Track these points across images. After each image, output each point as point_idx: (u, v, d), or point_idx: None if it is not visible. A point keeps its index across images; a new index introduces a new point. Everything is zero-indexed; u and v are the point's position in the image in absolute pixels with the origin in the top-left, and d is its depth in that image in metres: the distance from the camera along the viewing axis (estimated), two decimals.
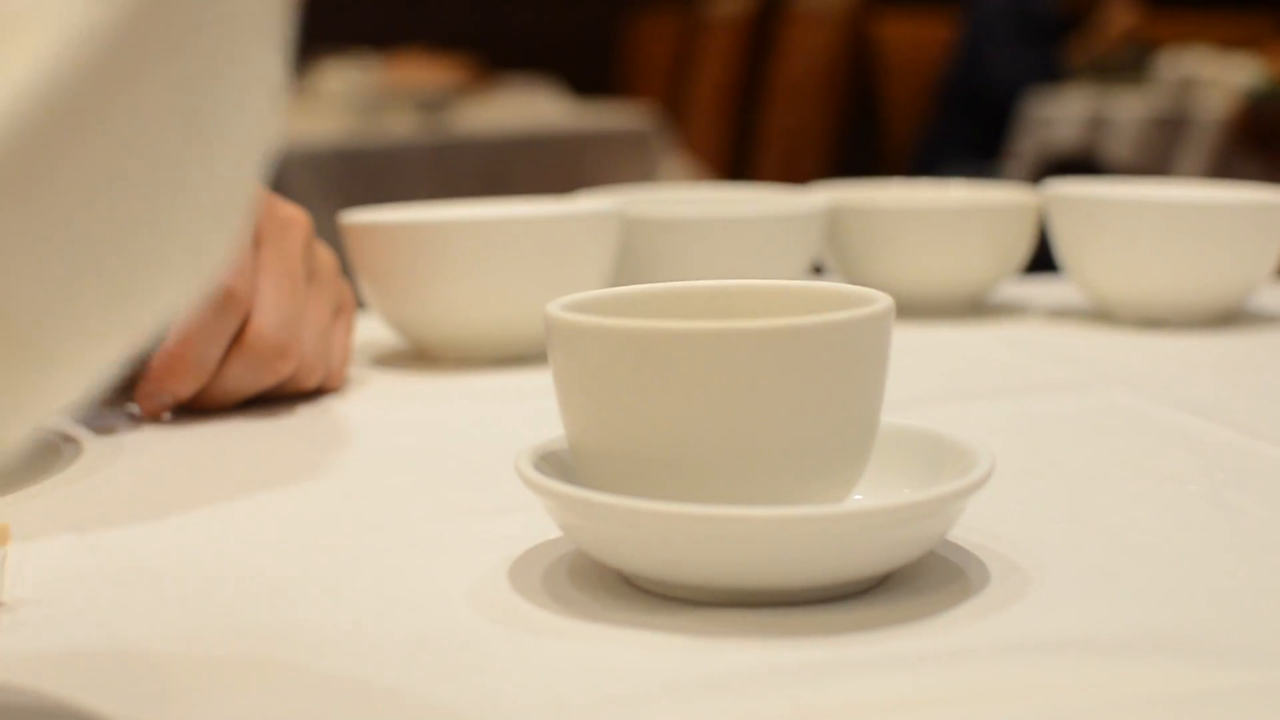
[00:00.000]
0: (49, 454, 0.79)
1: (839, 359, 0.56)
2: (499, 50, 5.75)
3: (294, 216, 0.90)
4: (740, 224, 1.11)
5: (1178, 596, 0.57)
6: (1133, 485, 0.73)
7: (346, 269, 0.98)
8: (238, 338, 0.86)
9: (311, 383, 0.92)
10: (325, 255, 0.94)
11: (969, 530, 0.62)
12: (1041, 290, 1.31)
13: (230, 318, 0.84)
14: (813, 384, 0.56)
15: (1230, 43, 4.42)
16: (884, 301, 0.59)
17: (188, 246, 0.37)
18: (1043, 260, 1.26)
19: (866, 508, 0.54)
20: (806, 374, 0.56)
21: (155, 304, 0.37)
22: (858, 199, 1.22)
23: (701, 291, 0.64)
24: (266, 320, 0.86)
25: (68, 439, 0.82)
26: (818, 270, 1.24)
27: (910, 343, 1.08)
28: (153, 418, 0.86)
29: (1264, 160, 3.77)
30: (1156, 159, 3.96)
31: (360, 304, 1.07)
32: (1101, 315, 1.18)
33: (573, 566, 0.60)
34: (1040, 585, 0.58)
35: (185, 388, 0.85)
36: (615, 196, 1.18)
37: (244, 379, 0.87)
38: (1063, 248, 1.18)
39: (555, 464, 0.60)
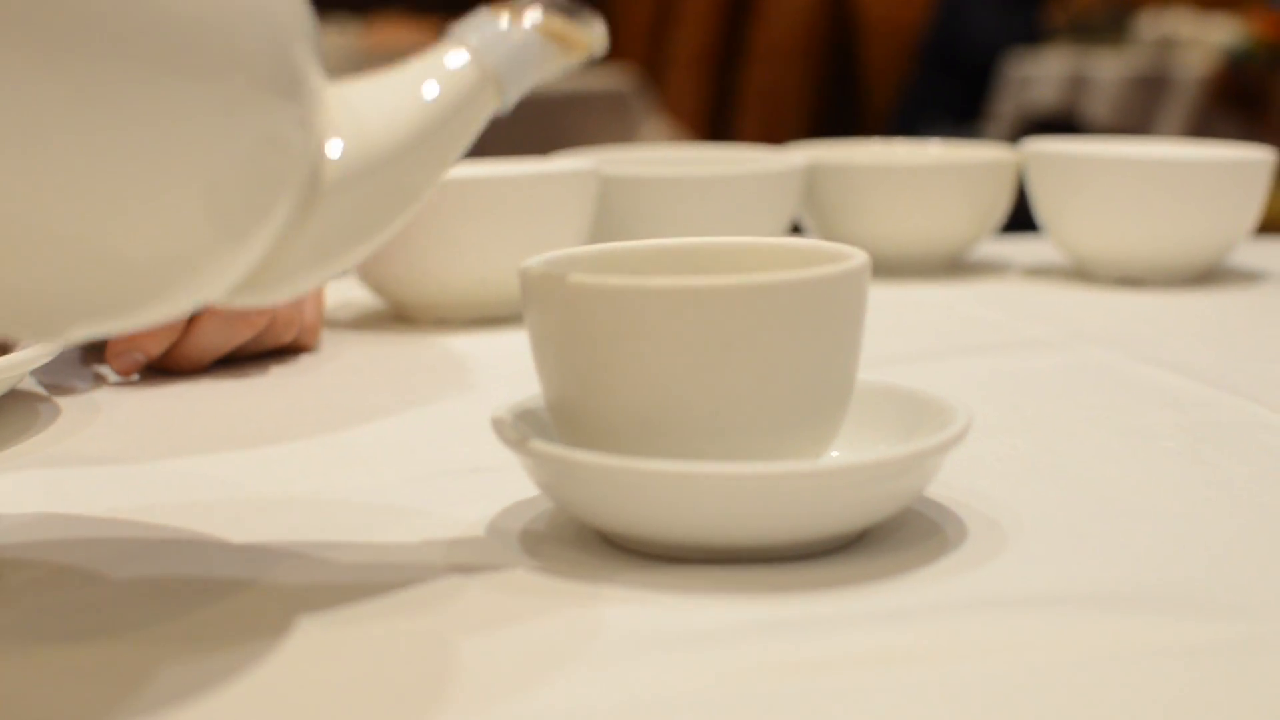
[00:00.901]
0: (27, 416, 0.79)
1: (815, 315, 0.56)
2: (468, 13, 5.72)
3: None
4: (718, 183, 1.11)
5: (1154, 552, 0.57)
6: (1110, 442, 0.73)
7: None
8: None
9: (286, 338, 0.91)
10: None
11: (946, 486, 0.62)
12: (1020, 248, 1.31)
13: None
14: (788, 341, 0.56)
15: (1209, 3, 4.41)
16: (859, 258, 0.59)
17: None
18: (1022, 218, 1.26)
19: (843, 464, 0.55)
20: (782, 331, 0.55)
21: None
22: (835, 157, 1.22)
23: (677, 249, 0.63)
24: None
25: (44, 400, 0.82)
26: (796, 229, 1.24)
27: (888, 301, 1.08)
28: (124, 375, 0.86)
29: (1243, 119, 3.77)
30: (1136, 118, 3.96)
31: None
32: (1080, 273, 1.18)
33: (551, 524, 0.60)
34: (1017, 541, 0.58)
35: (157, 344, 0.85)
36: (593, 156, 1.18)
37: (218, 334, 0.86)
38: (1042, 206, 1.18)
39: (532, 423, 0.60)
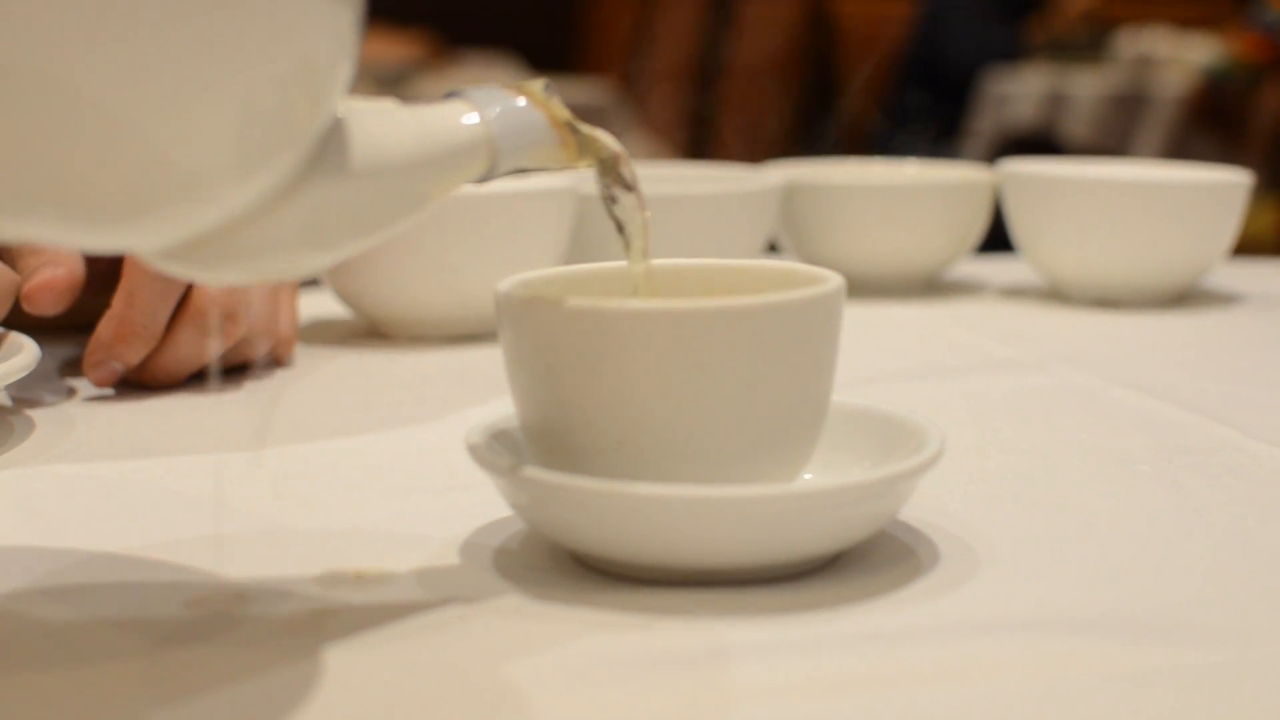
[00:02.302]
0: (1, 430, 0.78)
1: (789, 339, 0.56)
2: (457, 25, 5.73)
3: None
4: (695, 202, 1.11)
5: (1126, 577, 0.57)
6: (1083, 465, 0.73)
7: None
8: (185, 303, 0.85)
9: (262, 349, 0.91)
10: None
11: (919, 509, 0.62)
12: (996, 268, 1.31)
13: (175, 281, 0.84)
14: (762, 364, 0.56)
15: (1187, 23, 4.43)
16: (834, 281, 0.59)
17: None
18: (999, 238, 1.26)
19: (816, 488, 0.55)
20: (756, 354, 0.55)
21: None
22: (813, 177, 1.22)
23: (651, 271, 0.63)
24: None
25: (16, 414, 0.81)
26: (773, 248, 1.24)
27: (864, 320, 1.08)
28: (101, 386, 0.86)
29: (1220, 138, 3.78)
30: (1114, 137, 3.97)
31: (315, 278, 1.06)
32: (1056, 294, 1.18)
33: (525, 545, 0.60)
34: (990, 565, 0.58)
35: (134, 353, 0.85)
36: (569, 173, 1.17)
37: (194, 344, 0.86)
38: (1018, 227, 1.18)
39: (506, 443, 0.60)
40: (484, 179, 0.57)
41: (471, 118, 0.56)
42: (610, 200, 0.60)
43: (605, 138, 0.59)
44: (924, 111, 4.69)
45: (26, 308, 0.82)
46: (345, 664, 0.50)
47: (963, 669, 0.49)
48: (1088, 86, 4.11)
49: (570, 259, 1.11)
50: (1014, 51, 4.58)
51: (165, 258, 0.50)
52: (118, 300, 0.84)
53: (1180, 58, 4.04)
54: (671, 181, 1.20)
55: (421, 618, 0.53)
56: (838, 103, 5.14)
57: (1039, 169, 1.19)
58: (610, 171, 0.60)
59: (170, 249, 0.49)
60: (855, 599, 0.54)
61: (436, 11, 5.80)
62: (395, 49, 4.08)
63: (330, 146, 0.50)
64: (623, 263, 0.63)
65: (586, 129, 0.59)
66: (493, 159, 0.56)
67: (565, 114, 0.58)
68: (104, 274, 0.87)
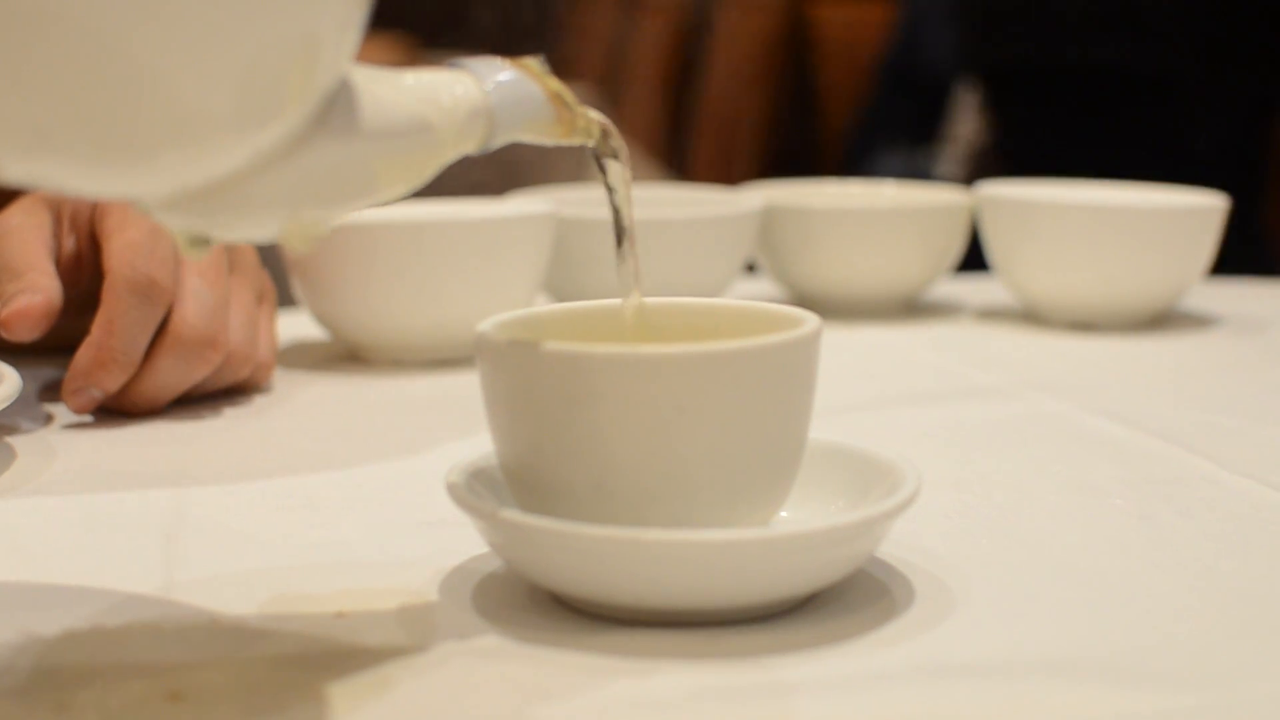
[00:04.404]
0: None
1: (766, 383, 0.57)
2: (434, 30, 5.72)
3: None
4: (674, 226, 1.11)
5: (1100, 617, 0.58)
6: (1058, 498, 0.73)
7: (266, 261, 0.98)
8: (164, 329, 0.85)
9: (242, 374, 0.91)
10: (245, 247, 0.94)
11: (896, 545, 0.62)
12: (974, 289, 1.31)
13: (154, 307, 0.84)
14: (740, 408, 0.56)
15: None
16: (811, 324, 0.59)
17: None
18: (977, 256, 1.26)
19: (792, 532, 0.55)
20: (733, 398, 0.56)
21: None
22: (791, 199, 1.22)
23: (630, 310, 0.64)
24: (191, 309, 0.85)
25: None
26: (751, 269, 1.24)
27: (842, 345, 1.08)
28: (80, 413, 0.86)
29: None
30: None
31: (293, 300, 1.07)
32: (1032, 317, 1.19)
33: (503, 584, 0.60)
34: (965, 604, 0.58)
35: (113, 380, 0.85)
36: (549, 197, 1.18)
37: (173, 371, 0.86)
38: (994, 250, 1.19)
39: (486, 481, 0.61)
40: (481, 149, 0.58)
41: (472, 88, 0.57)
42: (604, 169, 0.63)
43: (594, 112, 0.61)
44: (902, 118, 4.69)
45: (3, 334, 0.82)
46: (327, 706, 0.50)
47: (937, 714, 0.49)
48: None
49: (549, 280, 1.12)
50: None
51: (168, 208, 0.50)
52: (96, 327, 0.84)
53: None
54: (650, 205, 1.20)
55: (403, 660, 0.54)
56: (815, 108, 5.15)
57: (1015, 192, 1.19)
58: (604, 144, 0.62)
59: (173, 198, 0.50)
60: (831, 640, 0.55)
61: (412, 16, 5.80)
62: (371, 54, 4.08)
63: (336, 107, 0.51)
64: (602, 302, 0.64)
65: (580, 105, 0.60)
66: (490, 129, 0.57)
67: (561, 89, 0.59)
68: (82, 297, 0.87)
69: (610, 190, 0.63)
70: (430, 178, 0.57)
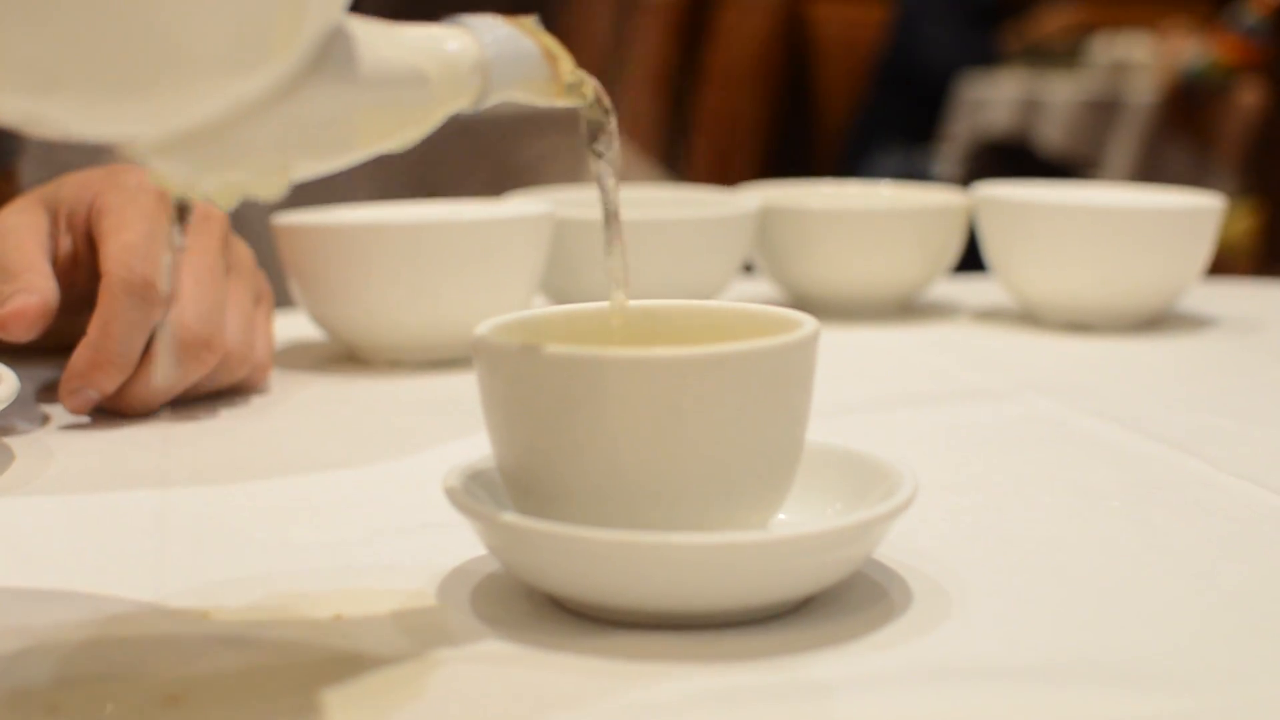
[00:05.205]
0: None
1: (764, 386, 0.57)
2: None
3: (211, 210, 0.89)
4: (671, 226, 1.11)
5: (1096, 621, 0.58)
6: (1055, 500, 0.73)
7: (263, 262, 0.98)
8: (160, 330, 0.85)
9: (239, 375, 0.91)
10: (242, 248, 0.94)
11: (893, 548, 0.62)
12: (971, 289, 1.31)
13: (151, 309, 0.84)
14: (737, 411, 0.56)
15: (1163, 28, 4.43)
16: (809, 326, 0.59)
17: None
18: (974, 257, 1.26)
19: (790, 535, 0.55)
20: (731, 401, 0.56)
21: None
22: (788, 200, 1.22)
23: (628, 312, 0.64)
24: (189, 311, 0.85)
25: None
26: (748, 269, 1.24)
27: (839, 345, 1.08)
28: (77, 414, 0.86)
29: (1195, 144, 3.79)
30: (1089, 143, 3.98)
31: (290, 301, 1.07)
32: (1029, 318, 1.19)
33: (501, 587, 0.60)
34: (962, 607, 0.58)
35: (109, 381, 0.85)
36: (546, 198, 1.18)
37: (170, 373, 0.86)
38: (991, 250, 1.19)
39: (484, 484, 0.61)
40: (475, 106, 0.58)
41: (469, 43, 0.57)
42: (594, 130, 0.62)
43: (583, 72, 0.61)
44: (898, 117, 4.69)
45: (0, 334, 0.82)
46: (325, 709, 0.50)
47: (935, 717, 0.49)
48: (1063, 92, 4.12)
49: (546, 284, 1.12)
50: (989, 57, 4.59)
51: (161, 153, 0.50)
52: (93, 328, 0.84)
53: (1155, 63, 4.04)
54: (647, 206, 1.20)
55: (400, 664, 0.54)
56: (813, 107, 5.15)
57: (1012, 193, 1.19)
58: (596, 108, 0.62)
59: (166, 141, 0.50)
60: (829, 643, 0.55)
61: (409, 17, 5.79)
62: None
63: (331, 55, 0.52)
64: (600, 304, 0.64)
65: (574, 64, 0.60)
66: (485, 85, 0.58)
67: (556, 47, 0.60)
68: (79, 297, 0.87)
69: (597, 155, 0.63)
70: (426, 132, 0.57)
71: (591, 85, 0.61)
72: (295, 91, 0.50)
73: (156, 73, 0.46)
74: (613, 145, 0.63)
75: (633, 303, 0.64)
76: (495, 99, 0.58)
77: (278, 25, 0.47)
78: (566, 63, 0.60)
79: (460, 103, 0.57)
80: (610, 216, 0.63)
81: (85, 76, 0.45)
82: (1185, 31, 4.05)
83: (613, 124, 0.63)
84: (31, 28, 0.43)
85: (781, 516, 0.62)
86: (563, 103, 0.61)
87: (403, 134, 0.56)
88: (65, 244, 0.89)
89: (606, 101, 0.62)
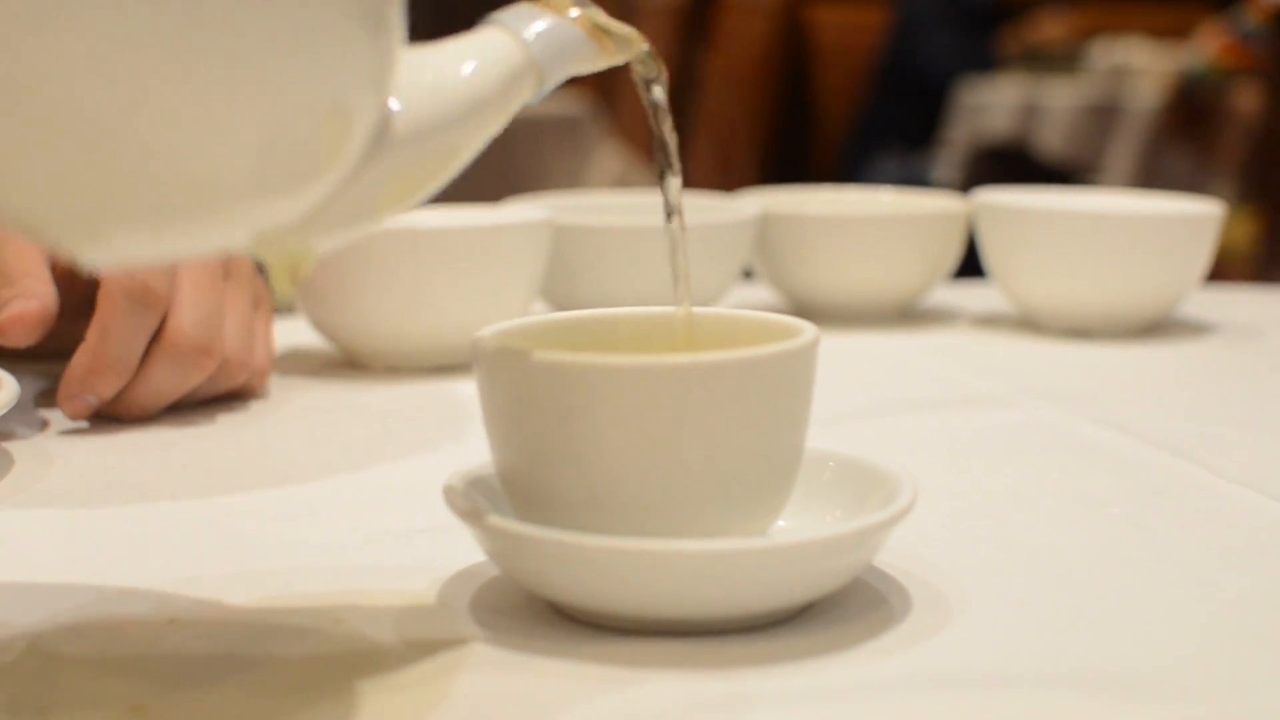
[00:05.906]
0: None
1: (763, 393, 0.57)
2: (430, 35, 5.72)
3: None
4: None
5: (1096, 628, 0.58)
6: (1055, 507, 0.73)
7: (261, 268, 0.98)
8: (159, 336, 0.85)
9: (238, 380, 0.91)
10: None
11: (892, 554, 0.62)
12: (971, 295, 1.31)
13: (149, 314, 0.84)
14: (737, 418, 0.56)
15: (1162, 33, 4.44)
16: (809, 334, 0.59)
17: None
18: (973, 264, 1.26)
19: (789, 541, 0.55)
20: (730, 408, 0.56)
21: None
22: (787, 206, 1.22)
23: (628, 319, 0.64)
24: (187, 317, 0.85)
25: None
26: (748, 275, 1.24)
27: (839, 351, 1.08)
28: (75, 419, 0.86)
29: (1195, 149, 3.79)
30: (1089, 147, 3.98)
31: (289, 307, 1.07)
32: (1028, 324, 1.19)
33: (500, 592, 0.60)
34: (962, 614, 0.58)
35: (108, 386, 0.85)
36: (546, 203, 1.18)
37: (168, 378, 0.86)
38: (991, 257, 1.19)
39: (483, 489, 0.61)
40: (536, 99, 0.59)
41: (514, 48, 0.57)
42: (649, 82, 0.63)
43: (630, 29, 0.61)
44: (898, 122, 4.70)
45: None
46: (324, 713, 0.50)
47: None
48: (1062, 97, 4.12)
49: (546, 290, 1.12)
50: (988, 62, 4.60)
51: (253, 248, 0.51)
52: (91, 333, 0.84)
53: (1154, 67, 4.04)
54: (646, 212, 1.20)
55: (399, 668, 0.54)
56: (812, 113, 5.15)
57: (1012, 199, 1.19)
58: (647, 62, 0.62)
59: (253, 242, 0.50)
60: (829, 650, 0.55)
61: (409, 20, 5.79)
62: None
63: (384, 138, 0.51)
64: (599, 310, 0.64)
65: (617, 26, 0.61)
66: (540, 81, 0.58)
67: (596, 16, 0.60)
68: (78, 303, 0.87)
69: (655, 107, 0.64)
70: (495, 134, 0.57)
71: (640, 41, 0.61)
72: (357, 177, 0.50)
73: (209, 210, 0.46)
74: (664, 98, 0.64)
75: (630, 309, 0.64)
76: (553, 85, 0.59)
77: (322, 146, 0.47)
78: (613, 30, 0.60)
79: (520, 104, 0.58)
80: (672, 212, 0.65)
81: (132, 221, 0.46)
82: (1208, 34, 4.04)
83: (664, 79, 0.63)
84: (63, 183, 0.43)
85: (781, 523, 0.62)
86: (615, 63, 0.61)
87: (475, 151, 0.56)
88: None
89: (654, 52, 0.62)
